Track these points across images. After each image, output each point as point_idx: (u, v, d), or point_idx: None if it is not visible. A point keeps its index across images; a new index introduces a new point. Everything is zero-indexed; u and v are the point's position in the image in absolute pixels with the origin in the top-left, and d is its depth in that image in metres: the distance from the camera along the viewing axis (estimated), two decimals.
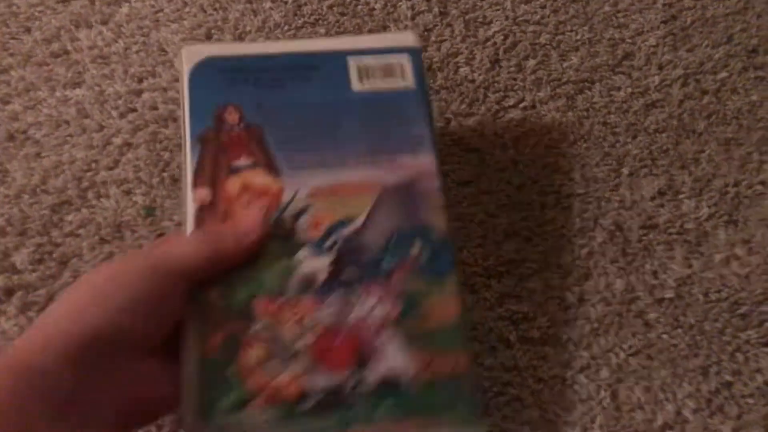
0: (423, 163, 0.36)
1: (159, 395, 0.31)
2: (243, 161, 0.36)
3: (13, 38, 0.50)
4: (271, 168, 0.35)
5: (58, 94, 0.47)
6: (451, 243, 0.35)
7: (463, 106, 0.48)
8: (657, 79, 0.50)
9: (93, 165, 0.44)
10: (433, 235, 0.35)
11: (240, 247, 0.32)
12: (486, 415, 0.36)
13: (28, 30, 0.51)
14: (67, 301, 0.30)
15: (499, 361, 0.37)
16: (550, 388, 0.36)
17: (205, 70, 0.37)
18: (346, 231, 0.35)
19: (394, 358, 0.32)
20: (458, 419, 0.31)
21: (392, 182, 0.36)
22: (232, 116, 0.36)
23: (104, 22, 0.52)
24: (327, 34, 0.52)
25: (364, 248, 0.35)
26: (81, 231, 0.41)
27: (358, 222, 0.35)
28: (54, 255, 0.40)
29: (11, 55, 0.49)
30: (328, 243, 0.35)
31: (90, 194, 0.43)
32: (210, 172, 0.35)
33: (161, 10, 0.52)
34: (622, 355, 0.37)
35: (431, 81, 0.49)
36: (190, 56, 0.37)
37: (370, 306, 0.34)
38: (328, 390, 0.32)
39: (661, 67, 0.51)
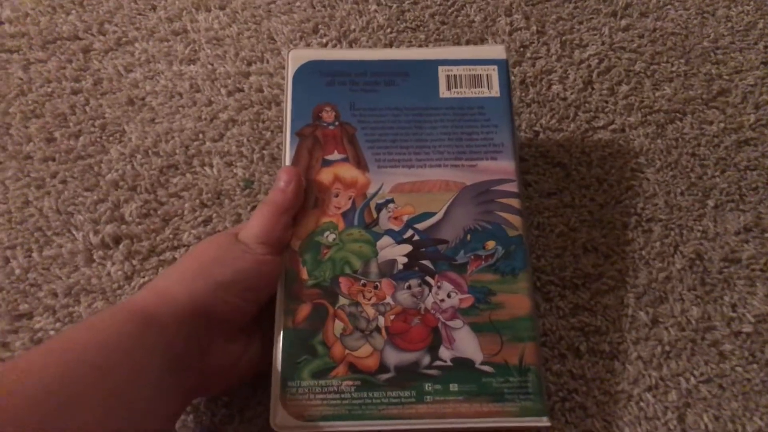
0: (503, 168, 0.38)
1: (235, 371, 0.33)
2: (335, 155, 0.38)
3: (139, 14, 0.55)
4: (360, 163, 0.38)
5: (174, 68, 0.51)
6: (526, 244, 0.36)
7: (553, 121, 0.49)
8: (752, 117, 0.50)
9: (200, 135, 0.47)
10: (509, 235, 0.36)
11: (287, 196, 0.35)
12: (551, 413, 0.36)
13: (154, 8, 0.55)
14: (178, 270, 0.33)
15: (567, 369, 0.38)
16: (616, 402, 0.37)
17: (307, 71, 0.40)
18: (425, 224, 0.37)
19: (464, 343, 0.34)
20: (526, 408, 0.32)
21: (472, 183, 0.37)
22: (328, 114, 0.39)
23: (222, 8, 0.55)
24: (426, 40, 0.54)
25: (441, 241, 0.36)
26: (184, 193, 0.45)
27: (437, 217, 0.37)
28: (158, 212, 0.44)
29: (137, 29, 0.54)
30: (408, 234, 0.37)
31: (195, 161, 0.46)
32: (305, 164, 0.38)
33: (274, 2, 0.56)
34: (693, 380, 0.37)
35: (523, 94, 0.51)
36: (295, 59, 0.41)
37: (445, 294, 0.35)
38: (403, 365, 0.33)
39: (757, 107, 0.51)
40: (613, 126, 0.49)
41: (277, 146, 0.47)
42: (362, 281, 0.35)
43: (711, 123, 0.50)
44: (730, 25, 0.56)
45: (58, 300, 0.40)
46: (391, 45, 0.54)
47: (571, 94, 0.51)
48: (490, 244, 0.36)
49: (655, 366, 0.38)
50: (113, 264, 0.41)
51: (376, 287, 0.35)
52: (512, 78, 0.52)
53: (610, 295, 0.41)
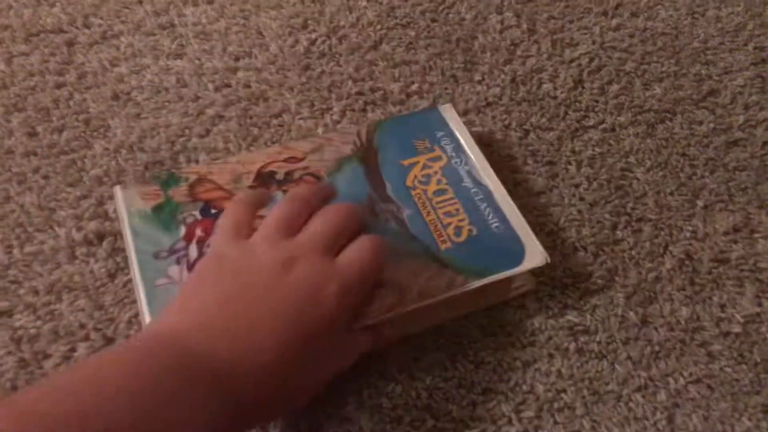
0: None
1: None
2: None
3: (126, 7, 0.54)
4: None
5: (161, 63, 0.50)
6: None
7: (543, 120, 0.49)
8: (741, 118, 0.50)
9: (186, 131, 0.47)
10: None
11: None
12: (540, 413, 0.36)
13: (140, 1, 0.54)
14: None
15: (556, 368, 0.37)
16: (604, 403, 0.36)
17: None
18: None
19: None
20: None
21: None
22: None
23: (209, 2, 0.55)
24: (416, 37, 0.54)
25: None
26: None
27: None
28: None
29: (123, 22, 0.53)
30: None
31: (181, 157, 0.45)
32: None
33: None
34: (682, 381, 0.37)
35: (513, 93, 0.50)
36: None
37: None
38: None
39: (746, 107, 0.51)
40: (603, 125, 0.49)
41: (264, 143, 0.46)
42: None
43: (701, 123, 0.50)
44: (720, 26, 0.56)
45: (39, 297, 0.39)
46: (381, 42, 0.53)
47: (562, 93, 0.51)
48: None
49: (644, 366, 0.38)
50: (96, 261, 0.40)
51: None
52: (503, 76, 0.51)
53: (600, 294, 0.40)
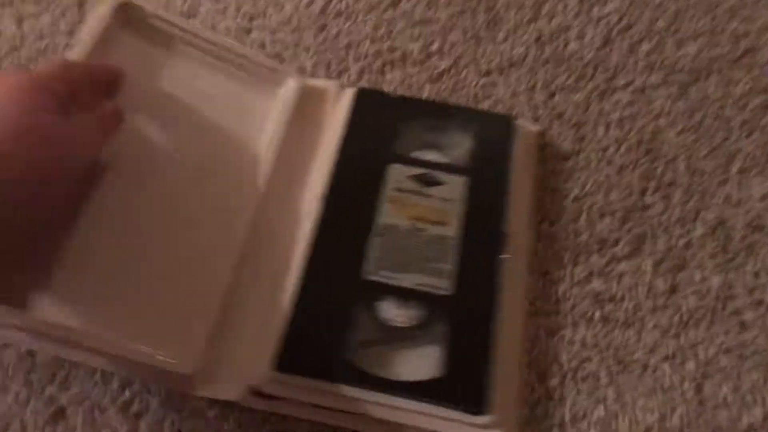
0: None
1: None
2: None
3: None
4: None
5: None
6: None
7: (570, 81, 0.47)
8: None
9: None
10: None
11: None
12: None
13: None
14: None
15: (580, 337, 0.36)
16: (630, 372, 0.35)
17: None
18: None
19: None
20: None
21: None
22: None
23: None
24: None
25: None
26: None
27: None
28: None
29: None
30: None
31: None
32: None
33: None
34: (712, 350, 0.36)
35: (539, 53, 0.48)
36: None
37: None
38: None
39: None
40: (632, 86, 0.47)
41: None
42: None
43: (737, 84, 0.47)
44: None
45: None
46: (400, 0, 0.51)
47: (589, 52, 0.48)
48: None
49: (672, 335, 0.36)
50: None
51: None
52: (527, 35, 0.49)
53: (627, 261, 0.39)
